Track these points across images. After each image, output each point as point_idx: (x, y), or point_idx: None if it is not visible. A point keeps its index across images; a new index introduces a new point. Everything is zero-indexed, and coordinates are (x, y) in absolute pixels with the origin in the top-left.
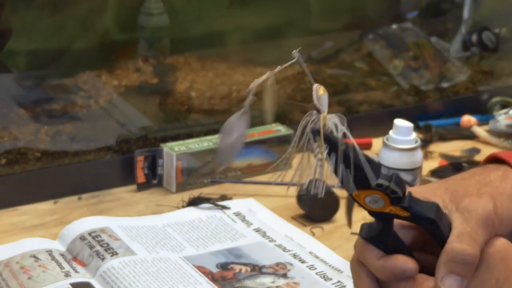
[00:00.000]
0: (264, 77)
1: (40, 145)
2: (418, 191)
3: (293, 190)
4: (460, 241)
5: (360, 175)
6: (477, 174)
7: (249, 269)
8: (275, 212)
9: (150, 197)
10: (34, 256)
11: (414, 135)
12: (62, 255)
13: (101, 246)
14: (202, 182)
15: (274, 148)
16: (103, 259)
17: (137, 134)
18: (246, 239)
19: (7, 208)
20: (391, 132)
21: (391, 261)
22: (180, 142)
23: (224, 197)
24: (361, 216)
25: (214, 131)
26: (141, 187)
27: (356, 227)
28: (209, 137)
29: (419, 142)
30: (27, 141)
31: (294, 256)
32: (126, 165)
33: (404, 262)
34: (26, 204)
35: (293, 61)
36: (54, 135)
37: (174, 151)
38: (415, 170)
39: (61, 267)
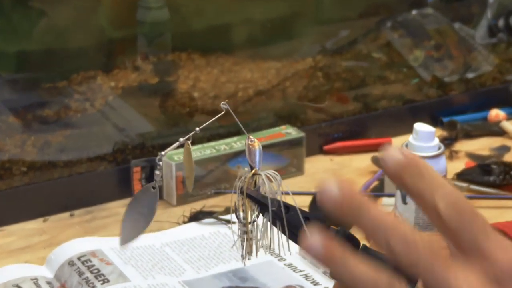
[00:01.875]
0: (175, 145)
1: (27, 157)
2: None
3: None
4: None
5: (298, 232)
6: None
7: None
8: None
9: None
10: (17, 286)
11: (436, 140)
12: (49, 283)
13: (91, 272)
14: (205, 194)
15: (285, 153)
16: (92, 287)
17: (133, 142)
18: (253, 258)
19: None
20: (410, 138)
21: None
22: (181, 150)
23: (229, 210)
24: None
25: (219, 136)
26: None
27: None
28: (212, 143)
29: (442, 148)
30: (12, 154)
31: (306, 277)
32: (121, 177)
33: None
34: (12, 224)
35: (221, 113)
36: (42, 146)
37: (173, 161)
38: None
39: None
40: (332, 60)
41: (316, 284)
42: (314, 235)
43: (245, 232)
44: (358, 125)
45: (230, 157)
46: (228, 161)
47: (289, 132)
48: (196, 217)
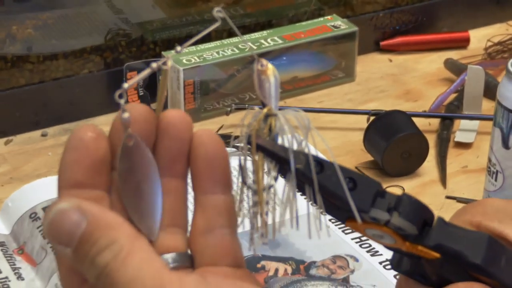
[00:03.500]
0: (144, 73)
1: None
2: (495, 210)
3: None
4: None
5: (340, 202)
6: None
7: (289, 269)
8: (331, 156)
9: None
10: None
11: None
12: (1, 244)
13: None
14: (224, 109)
15: (330, 52)
16: None
17: (128, 36)
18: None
19: None
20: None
21: None
22: (192, 48)
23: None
24: (460, 167)
25: (244, 29)
26: None
27: (453, 185)
28: (234, 40)
29: None
30: None
31: (360, 242)
32: (112, 84)
33: None
34: None
35: (215, 25)
36: (3, 40)
37: (181, 65)
38: None
39: None
40: None
41: (374, 254)
42: None
43: (256, 204)
44: (426, 14)
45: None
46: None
47: (337, 25)
48: None
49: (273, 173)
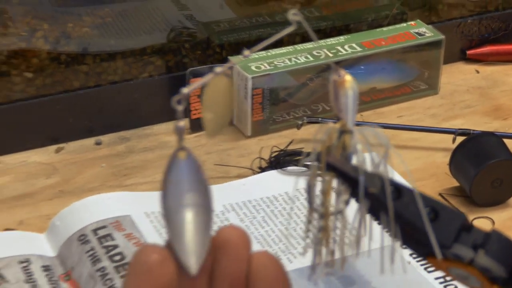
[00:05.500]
0: (209, 76)
1: (33, 58)
2: None
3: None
4: None
5: (420, 236)
6: None
7: None
8: (411, 180)
9: (211, 143)
10: None
11: None
12: (46, 269)
13: (111, 258)
14: (293, 121)
15: (412, 61)
16: (111, 286)
17: (193, 36)
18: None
19: None
20: None
21: None
22: (262, 53)
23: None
24: None
25: (319, 32)
26: (197, 125)
27: None
28: (308, 45)
29: None
30: (13, 50)
31: (446, 283)
32: (173, 90)
33: None
34: (11, 153)
35: (290, 29)
36: (56, 40)
37: (250, 72)
38: None
39: None
40: None
41: None
42: None
43: (322, 229)
44: None
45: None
46: (331, 73)
47: (422, 31)
48: (278, 161)
49: (345, 197)
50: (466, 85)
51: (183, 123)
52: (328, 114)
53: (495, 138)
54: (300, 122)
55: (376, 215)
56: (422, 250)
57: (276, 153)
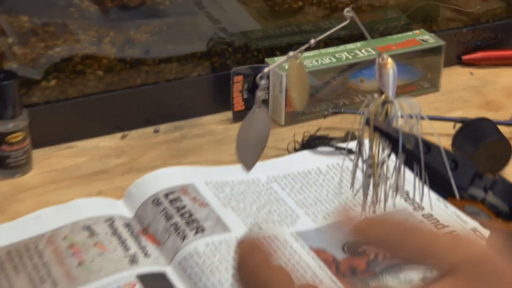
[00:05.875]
0: (283, 58)
1: (104, 58)
2: None
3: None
4: None
5: (443, 180)
6: None
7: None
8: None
9: None
10: (89, 228)
11: None
12: (127, 225)
13: (182, 216)
14: (320, 112)
15: (418, 64)
16: (183, 237)
17: (234, 44)
18: (379, 208)
19: (59, 145)
20: None
21: None
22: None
23: (351, 136)
24: None
25: (339, 40)
26: (239, 116)
27: None
28: (330, 49)
29: None
30: (86, 53)
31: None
32: (218, 87)
33: None
34: (83, 139)
35: (345, 23)
36: (122, 45)
37: (284, 71)
38: None
39: (125, 247)
40: None
41: None
42: None
43: (371, 176)
44: (505, 31)
45: (352, 67)
46: (350, 72)
47: (425, 39)
48: (309, 143)
49: (387, 151)
50: (462, 84)
51: (261, 93)
52: (348, 107)
53: (489, 122)
54: (326, 113)
55: (410, 166)
56: (445, 192)
57: (307, 137)
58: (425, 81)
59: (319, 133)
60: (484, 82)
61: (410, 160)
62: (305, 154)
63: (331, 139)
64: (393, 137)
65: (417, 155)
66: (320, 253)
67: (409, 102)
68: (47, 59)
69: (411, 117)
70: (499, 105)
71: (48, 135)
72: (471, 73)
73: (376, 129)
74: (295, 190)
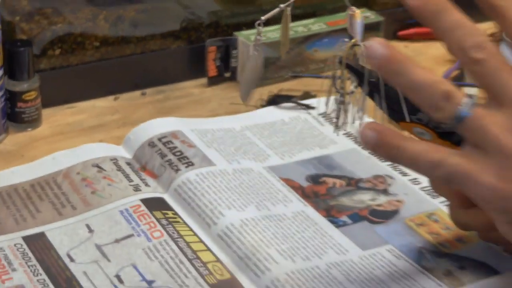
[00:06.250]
0: (275, 10)
1: (99, 32)
2: None
3: None
4: None
5: (397, 107)
6: None
7: (344, 183)
8: (367, 110)
9: (223, 93)
10: (97, 166)
11: None
12: (128, 164)
13: (174, 154)
14: (281, 77)
15: (364, 38)
16: (177, 170)
17: (206, 21)
18: (337, 145)
19: (61, 105)
20: None
21: None
22: (255, 30)
23: (307, 95)
24: None
25: (295, 17)
26: (213, 81)
27: None
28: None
29: None
30: (84, 28)
31: (394, 167)
32: (195, 56)
33: None
34: (83, 101)
35: None
36: (114, 21)
37: (250, 41)
38: None
39: (129, 179)
40: None
41: (404, 174)
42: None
43: (342, 102)
44: None
45: (307, 40)
46: (305, 44)
47: (368, 15)
48: (274, 100)
49: (355, 83)
50: None
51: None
52: (304, 72)
53: None
54: (286, 76)
55: (372, 96)
56: (398, 117)
57: (272, 95)
58: None
59: (282, 93)
60: (418, 53)
61: (372, 91)
62: (271, 109)
63: (292, 97)
64: (360, 72)
65: (378, 87)
66: (288, 182)
67: (374, 43)
68: (51, 33)
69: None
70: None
71: (53, 96)
72: (406, 46)
73: (347, 66)
74: (265, 136)
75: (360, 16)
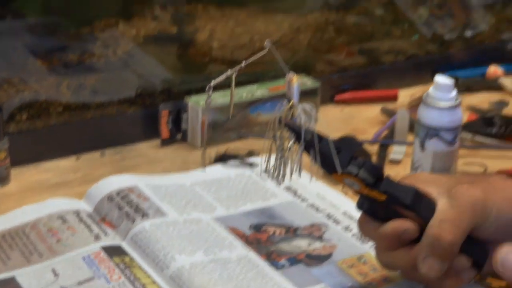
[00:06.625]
0: (223, 76)
1: (62, 98)
2: (423, 178)
3: None
4: (440, 226)
5: (330, 161)
6: (483, 175)
7: (283, 231)
8: (305, 168)
9: (175, 153)
10: (62, 218)
11: (454, 92)
12: (89, 216)
13: (131, 207)
14: (228, 137)
15: (301, 101)
16: (133, 221)
17: (160, 87)
18: (277, 198)
19: (28, 165)
20: (431, 89)
21: (390, 225)
22: (205, 96)
23: (251, 153)
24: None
25: (239, 83)
26: (165, 143)
27: None
28: (235, 90)
29: (459, 100)
30: (49, 95)
31: (328, 216)
32: (149, 120)
33: (402, 223)
34: (48, 160)
35: (264, 51)
36: (76, 89)
37: (199, 105)
38: (456, 129)
39: (90, 230)
40: (339, 15)
41: (338, 223)
42: None
43: (282, 157)
44: (366, 77)
45: (251, 104)
46: (249, 108)
47: (305, 81)
48: (221, 159)
49: (292, 140)
50: (335, 117)
51: (210, 101)
52: (254, 131)
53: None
54: (232, 137)
55: (308, 151)
56: (331, 169)
57: (219, 155)
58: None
59: (228, 152)
60: (352, 116)
61: (308, 147)
62: (218, 167)
63: (237, 155)
64: (297, 130)
65: (312, 143)
66: (233, 230)
67: (308, 107)
68: (19, 100)
69: (309, 118)
70: (364, 131)
71: (21, 156)
72: (342, 110)
73: (285, 125)
74: (212, 191)
75: (296, 81)
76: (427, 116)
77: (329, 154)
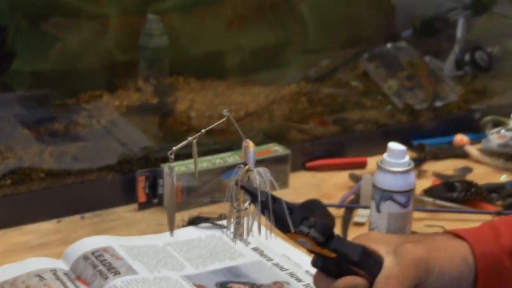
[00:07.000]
0: (184, 142)
1: (45, 165)
2: (373, 237)
3: None
4: (386, 282)
5: (284, 221)
6: (429, 235)
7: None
8: (272, 230)
9: (151, 216)
10: (39, 276)
11: (407, 157)
12: (66, 274)
13: (104, 265)
14: (201, 202)
15: (272, 168)
16: (106, 278)
17: (138, 154)
18: (245, 258)
19: (12, 228)
20: (385, 155)
21: (342, 281)
22: (180, 162)
23: (223, 216)
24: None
25: (214, 151)
26: (142, 207)
27: None
28: (208, 157)
29: (412, 165)
30: (32, 161)
31: (291, 275)
32: (127, 185)
33: (353, 279)
34: (30, 224)
35: (223, 119)
36: (58, 156)
37: (173, 172)
38: (409, 192)
39: (65, 287)
40: (314, 86)
41: (299, 281)
42: None
43: (238, 217)
44: (337, 145)
45: (224, 170)
46: (222, 173)
47: (276, 149)
48: (193, 221)
49: (248, 201)
50: (306, 183)
51: (174, 166)
52: (222, 197)
53: (318, 201)
54: (205, 201)
55: (263, 212)
56: (284, 229)
57: (192, 218)
58: (278, 181)
59: (201, 215)
60: (322, 181)
61: (263, 208)
62: (190, 229)
63: (209, 218)
64: (253, 193)
65: (267, 205)
66: (200, 287)
67: (262, 171)
68: (4, 166)
69: (264, 180)
70: (332, 196)
71: (5, 219)
72: (313, 176)
73: (242, 187)
74: (183, 251)
75: (253, 146)
76: (382, 180)
77: (283, 214)
